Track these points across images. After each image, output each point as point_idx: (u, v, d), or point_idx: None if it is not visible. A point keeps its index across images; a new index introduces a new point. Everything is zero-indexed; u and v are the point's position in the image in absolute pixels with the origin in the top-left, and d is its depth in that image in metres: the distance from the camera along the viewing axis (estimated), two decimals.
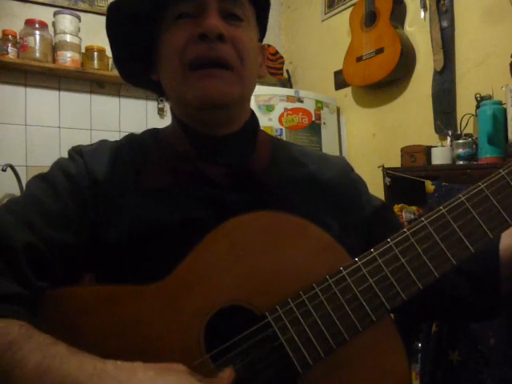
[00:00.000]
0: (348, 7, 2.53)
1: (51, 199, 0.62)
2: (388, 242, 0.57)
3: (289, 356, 0.54)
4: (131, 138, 0.73)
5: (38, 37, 2.27)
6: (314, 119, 2.49)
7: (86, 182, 0.64)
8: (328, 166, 0.76)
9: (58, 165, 0.67)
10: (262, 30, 0.76)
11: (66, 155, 0.70)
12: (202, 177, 0.66)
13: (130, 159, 0.68)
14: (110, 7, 0.66)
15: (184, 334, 0.54)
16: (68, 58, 2.34)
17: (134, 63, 0.73)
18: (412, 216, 2.01)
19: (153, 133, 0.75)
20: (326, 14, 2.76)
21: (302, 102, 2.46)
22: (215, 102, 0.63)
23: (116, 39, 0.70)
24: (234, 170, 0.68)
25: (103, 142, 0.72)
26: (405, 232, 0.57)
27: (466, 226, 0.57)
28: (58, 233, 0.60)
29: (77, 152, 0.68)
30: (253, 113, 0.75)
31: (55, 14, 2.39)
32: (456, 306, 0.71)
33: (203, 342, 0.54)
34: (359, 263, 0.57)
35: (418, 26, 2.16)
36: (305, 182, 0.72)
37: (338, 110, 2.66)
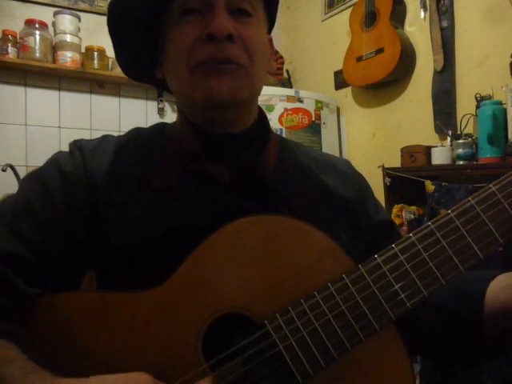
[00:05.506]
0: (348, 7, 2.53)
1: (43, 203, 0.60)
2: (393, 248, 0.55)
3: (289, 366, 0.52)
4: (137, 135, 0.71)
5: (38, 37, 2.27)
6: (313, 119, 2.49)
7: (82, 182, 0.62)
8: (340, 177, 0.73)
9: (55, 160, 0.64)
10: (271, 20, 0.72)
11: None
12: (210, 177, 0.64)
13: (134, 158, 0.66)
14: (112, 2, 0.63)
15: (181, 341, 0.53)
16: (68, 58, 2.34)
17: (137, 60, 0.71)
18: (412, 216, 2.01)
19: (159, 129, 0.72)
20: (326, 14, 2.76)
21: (301, 102, 2.46)
22: (223, 101, 0.61)
23: (118, 35, 0.67)
24: (242, 172, 0.65)
25: (106, 138, 0.69)
26: (410, 238, 0.55)
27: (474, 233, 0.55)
28: (48, 239, 0.58)
29: (77, 147, 0.66)
30: (261, 110, 0.73)
31: (55, 14, 2.39)
32: (434, 345, 0.66)
33: (201, 349, 0.53)
34: (362, 270, 0.55)
35: (417, 26, 2.16)
36: (314, 191, 0.70)
37: (338, 110, 2.65)
